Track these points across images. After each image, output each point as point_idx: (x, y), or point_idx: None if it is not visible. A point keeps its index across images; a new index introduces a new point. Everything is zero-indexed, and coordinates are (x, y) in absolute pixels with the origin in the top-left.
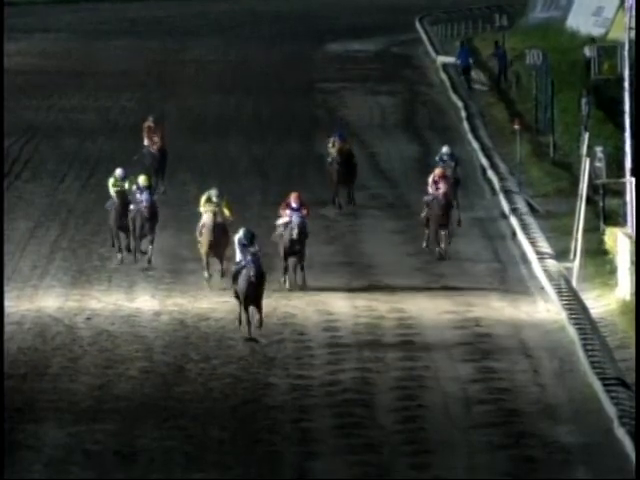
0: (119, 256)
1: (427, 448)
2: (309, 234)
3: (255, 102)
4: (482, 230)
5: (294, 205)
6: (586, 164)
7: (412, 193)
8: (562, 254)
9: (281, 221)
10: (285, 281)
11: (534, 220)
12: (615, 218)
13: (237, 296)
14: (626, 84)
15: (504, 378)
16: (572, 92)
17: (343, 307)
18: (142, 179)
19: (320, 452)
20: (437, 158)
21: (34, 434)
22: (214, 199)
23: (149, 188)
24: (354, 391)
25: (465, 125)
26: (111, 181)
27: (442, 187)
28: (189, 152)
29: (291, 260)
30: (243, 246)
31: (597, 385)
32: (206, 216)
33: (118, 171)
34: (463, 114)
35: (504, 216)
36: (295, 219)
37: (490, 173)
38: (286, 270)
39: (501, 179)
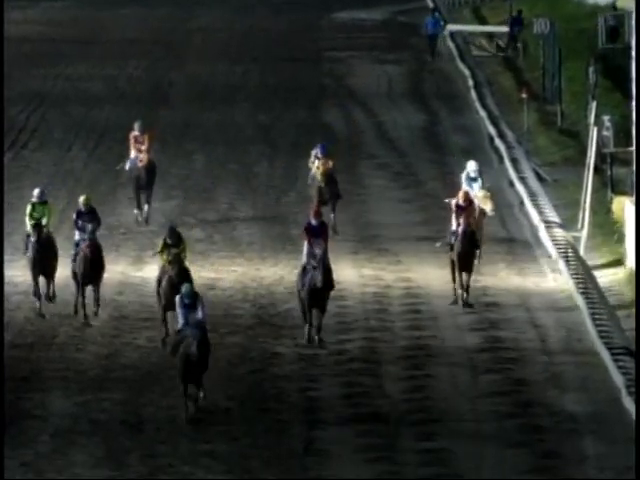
0: (37, 303)
1: (434, 417)
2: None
3: (262, 71)
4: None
5: (313, 222)
6: (594, 133)
7: (419, 162)
8: (570, 223)
9: (304, 253)
10: (307, 335)
11: (542, 189)
12: (623, 187)
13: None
14: (633, 52)
15: (511, 347)
16: (579, 61)
17: (350, 276)
18: (82, 200)
19: (327, 421)
20: (463, 176)
21: (41, 403)
22: (169, 241)
23: (92, 214)
24: (361, 360)
25: (472, 94)
26: (28, 209)
27: (463, 220)
28: (196, 121)
29: (314, 312)
30: (185, 307)
31: (605, 354)
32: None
33: (36, 192)
34: (470, 83)
35: (511, 185)
36: (317, 264)
37: (497, 142)
38: (310, 323)
39: (508, 147)
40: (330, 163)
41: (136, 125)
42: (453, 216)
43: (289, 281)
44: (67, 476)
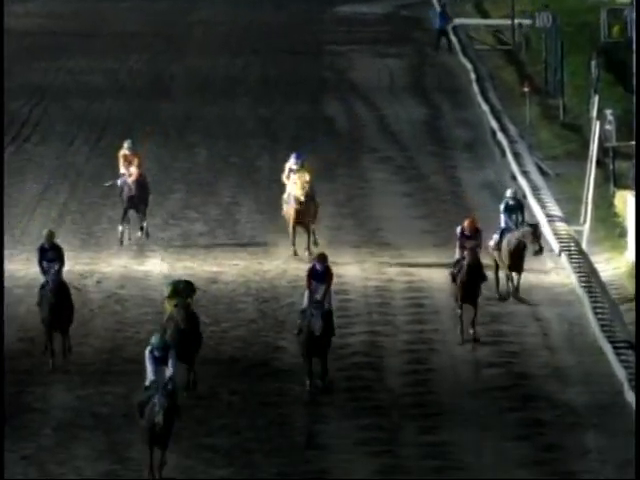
0: None
1: (436, 411)
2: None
3: (263, 64)
4: (492, 193)
5: (318, 267)
6: (596, 127)
7: (421, 156)
8: (572, 217)
9: (305, 297)
10: (307, 383)
11: (544, 183)
12: (625, 181)
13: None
14: (635, 47)
15: (513, 341)
16: (582, 55)
17: (352, 270)
18: (45, 235)
19: (329, 415)
20: (502, 206)
21: (42, 397)
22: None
23: (56, 250)
24: (363, 354)
25: (475, 87)
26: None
27: (469, 252)
28: (197, 114)
29: (315, 360)
30: (155, 361)
31: (607, 348)
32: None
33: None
34: (473, 76)
35: (514, 179)
36: (316, 310)
37: (500, 135)
38: (309, 371)
39: (511, 142)
40: (307, 176)
41: (126, 144)
42: (457, 244)
43: (292, 275)
44: (69, 469)
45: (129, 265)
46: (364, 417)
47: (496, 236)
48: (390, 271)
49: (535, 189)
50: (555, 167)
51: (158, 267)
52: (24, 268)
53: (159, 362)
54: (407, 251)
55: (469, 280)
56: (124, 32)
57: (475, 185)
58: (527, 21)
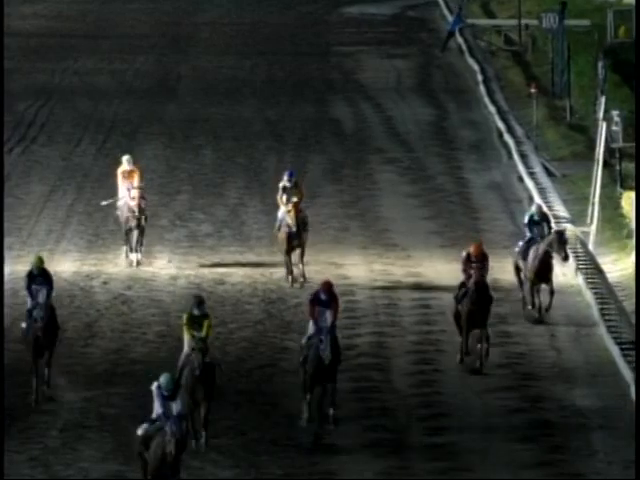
0: None
1: (442, 412)
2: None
3: (269, 65)
4: (499, 194)
5: (322, 296)
6: (603, 128)
7: (428, 157)
8: (579, 218)
9: (309, 327)
10: (305, 412)
11: (551, 184)
12: (632, 182)
13: (144, 466)
14: (635, 47)
15: (520, 342)
16: (588, 55)
17: (359, 271)
18: (34, 261)
19: (336, 416)
20: (526, 220)
21: (50, 398)
22: (196, 312)
23: (44, 277)
24: (370, 355)
25: (481, 88)
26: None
27: (475, 273)
28: (204, 115)
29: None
30: (163, 398)
31: (613, 349)
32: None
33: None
34: (479, 77)
35: (521, 180)
36: (323, 345)
37: (506, 136)
38: (309, 400)
39: (517, 142)
40: (298, 196)
41: (125, 159)
42: (462, 269)
43: (298, 276)
44: (75, 470)
45: (136, 266)
46: (371, 418)
47: (522, 243)
48: (397, 272)
49: (541, 190)
50: (561, 168)
51: (165, 268)
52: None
53: (168, 399)
54: (414, 252)
55: (475, 303)
56: (131, 33)
57: (481, 186)
58: (534, 22)
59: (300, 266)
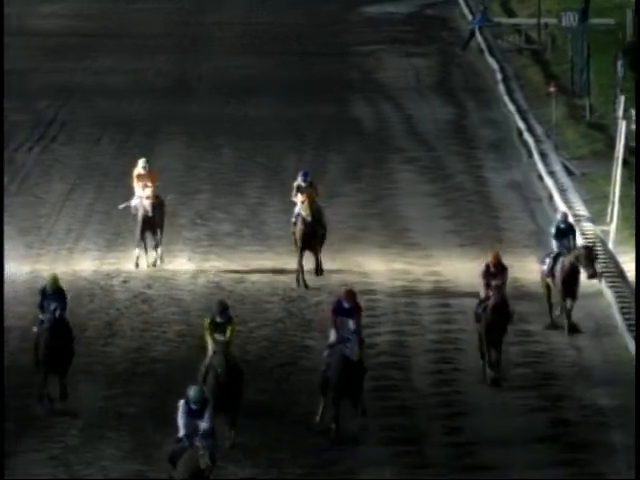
0: None
1: (462, 411)
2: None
3: (289, 64)
4: (519, 193)
5: (345, 305)
6: (622, 126)
7: (447, 156)
8: (598, 217)
9: (332, 335)
10: (334, 427)
11: (570, 183)
12: None
13: None
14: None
15: (540, 341)
16: (608, 54)
17: (379, 270)
18: (49, 280)
19: (355, 414)
20: (553, 230)
21: (70, 398)
22: (218, 319)
23: (58, 295)
24: (390, 354)
25: (501, 87)
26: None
27: (495, 291)
28: (223, 114)
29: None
30: (190, 413)
31: (633, 348)
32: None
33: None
34: (499, 76)
35: (540, 178)
36: (353, 336)
37: (526, 135)
38: (337, 418)
39: (537, 141)
40: (315, 192)
41: (140, 162)
42: (482, 282)
43: (318, 275)
44: (96, 469)
45: (156, 264)
46: (390, 416)
47: (549, 260)
48: (416, 271)
49: (561, 189)
50: (581, 167)
51: (185, 267)
52: (50, 268)
53: (194, 415)
54: (433, 251)
55: (494, 320)
56: (151, 33)
57: (501, 185)
58: (553, 20)
59: (316, 259)
